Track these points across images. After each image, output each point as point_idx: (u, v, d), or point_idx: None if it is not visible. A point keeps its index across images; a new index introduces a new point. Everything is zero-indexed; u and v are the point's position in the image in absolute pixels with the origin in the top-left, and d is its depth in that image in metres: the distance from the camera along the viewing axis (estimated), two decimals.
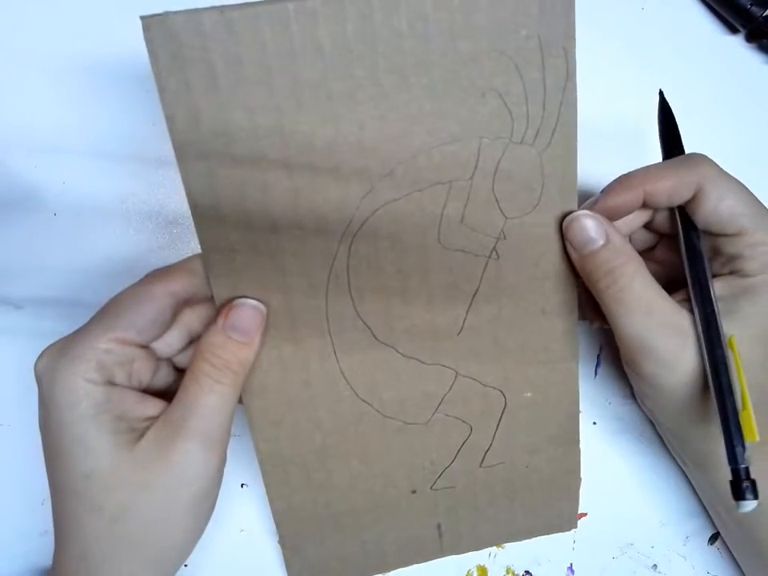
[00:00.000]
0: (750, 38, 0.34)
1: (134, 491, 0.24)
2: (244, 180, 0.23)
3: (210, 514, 0.26)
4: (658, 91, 0.29)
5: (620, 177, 0.27)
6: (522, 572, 0.33)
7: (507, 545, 0.33)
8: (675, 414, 0.28)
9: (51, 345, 0.24)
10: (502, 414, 0.29)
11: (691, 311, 0.26)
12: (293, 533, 0.30)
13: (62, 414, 0.23)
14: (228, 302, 0.25)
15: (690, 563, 0.33)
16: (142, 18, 0.21)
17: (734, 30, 0.34)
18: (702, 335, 0.25)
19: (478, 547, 0.32)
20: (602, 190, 0.27)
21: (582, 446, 0.31)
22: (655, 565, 0.34)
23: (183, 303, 0.25)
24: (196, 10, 0.21)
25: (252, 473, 0.31)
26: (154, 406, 0.25)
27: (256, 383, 0.26)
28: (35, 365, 0.24)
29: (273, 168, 0.23)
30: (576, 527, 0.33)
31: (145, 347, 0.25)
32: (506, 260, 0.26)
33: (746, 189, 0.27)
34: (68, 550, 0.24)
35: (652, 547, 0.34)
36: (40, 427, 0.24)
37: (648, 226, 0.29)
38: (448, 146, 0.24)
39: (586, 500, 0.33)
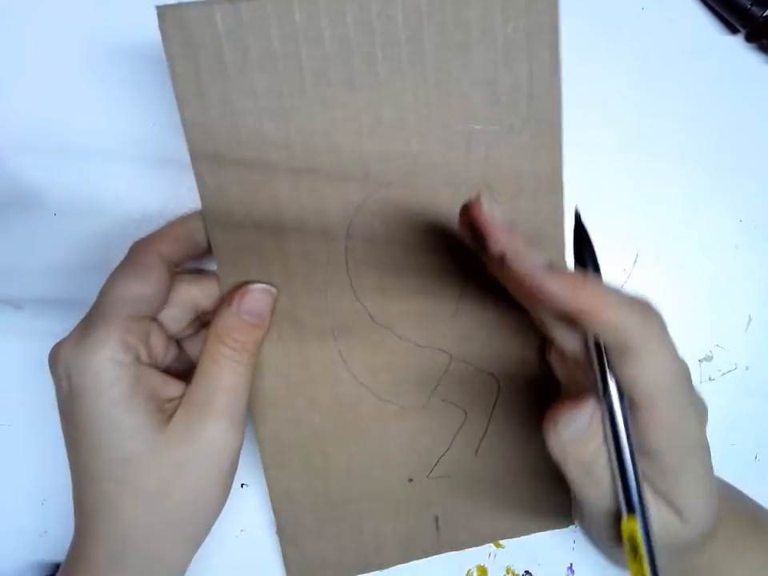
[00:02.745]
0: (749, 38, 0.34)
1: (170, 472, 0.24)
2: (249, 166, 0.25)
3: (230, 488, 0.27)
4: (574, 211, 0.24)
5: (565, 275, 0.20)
6: (522, 572, 0.33)
7: (507, 545, 0.33)
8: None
9: (64, 339, 0.24)
10: (496, 399, 0.29)
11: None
12: (291, 522, 0.30)
13: (95, 401, 0.23)
14: (240, 286, 0.26)
15: None
16: (157, 7, 0.22)
17: (734, 30, 0.34)
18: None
19: (475, 543, 0.32)
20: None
21: None
22: None
23: (173, 267, 0.26)
24: (209, 1, 0.23)
25: (252, 473, 0.31)
26: (175, 386, 0.26)
27: (256, 364, 0.27)
28: (53, 360, 0.24)
29: (274, 150, 0.25)
30: (574, 523, 0.32)
31: (155, 320, 0.26)
32: None
33: (677, 356, 0.22)
34: (102, 537, 0.25)
35: None
36: (65, 420, 0.25)
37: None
38: (440, 131, 0.25)
39: None
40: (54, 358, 0.24)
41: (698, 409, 0.23)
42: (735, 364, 0.34)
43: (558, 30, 0.25)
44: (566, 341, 0.23)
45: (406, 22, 0.24)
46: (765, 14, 0.32)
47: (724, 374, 0.34)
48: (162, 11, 0.23)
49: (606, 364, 0.22)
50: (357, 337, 0.28)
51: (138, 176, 0.31)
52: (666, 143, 0.34)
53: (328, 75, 0.24)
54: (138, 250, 0.25)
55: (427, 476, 0.30)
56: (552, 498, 0.31)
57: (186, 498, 0.25)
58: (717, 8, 0.34)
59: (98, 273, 0.31)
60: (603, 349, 0.22)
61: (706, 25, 0.35)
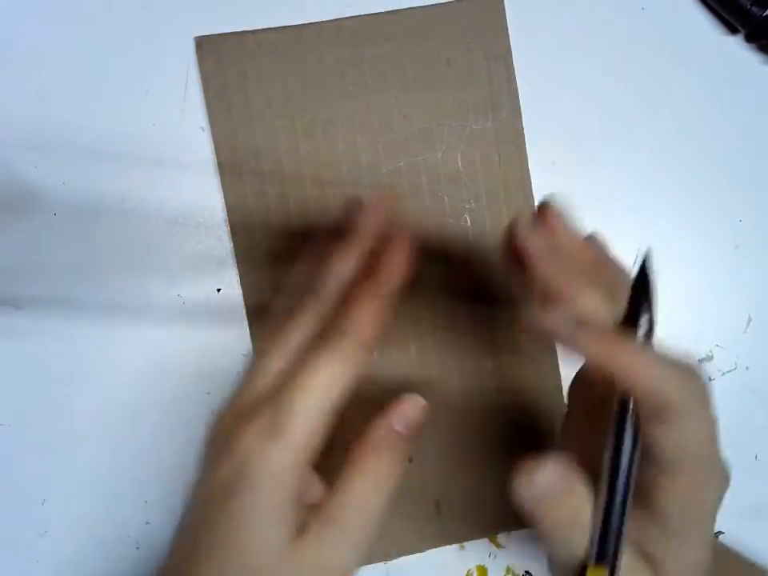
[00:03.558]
0: (749, 38, 0.34)
1: None
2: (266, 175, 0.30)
3: None
4: (644, 256, 0.22)
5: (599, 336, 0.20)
6: (522, 572, 0.33)
7: (507, 545, 0.33)
8: None
9: (253, 419, 0.22)
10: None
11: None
12: None
13: (259, 499, 0.21)
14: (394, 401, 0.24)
15: None
16: (196, 37, 0.30)
17: (733, 30, 0.34)
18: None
19: (476, 535, 0.32)
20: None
21: None
22: None
23: None
24: (240, 33, 0.30)
25: None
26: (317, 489, 0.23)
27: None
28: (231, 439, 0.22)
29: (287, 161, 0.31)
30: None
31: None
32: (475, 225, 0.32)
33: (714, 425, 0.20)
34: None
35: None
36: (211, 503, 0.22)
37: None
38: (421, 128, 0.32)
39: None
40: (235, 439, 0.22)
41: (720, 477, 0.21)
42: (735, 364, 0.34)
43: (509, 47, 0.32)
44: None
45: (388, 44, 0.31)
46: (765, 14, 0.32)
47: (724, 373, 0.34)
48: (199, 40, 0.30)
49: (627, 419, 0.20)
50: None
51: (139, 176, 0.31)
52: (665, 143, 0.34)
53: (326, 86, 0.31)
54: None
55: (426, 455, 0.31)
56: None
57: None
58: (717, 8, 0.34)
59: (98, 273, 0.31)
60: (630, 405, 0.20)
61: (706, 25, 0.35)
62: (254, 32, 0.31)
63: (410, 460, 0.31)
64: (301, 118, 0.31)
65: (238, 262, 0.30)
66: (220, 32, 0.31)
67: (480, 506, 0.32)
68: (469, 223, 0.32)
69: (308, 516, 0.22)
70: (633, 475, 0.21)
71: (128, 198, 0.32)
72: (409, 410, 0.24)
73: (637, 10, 0.34)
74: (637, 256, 0.22)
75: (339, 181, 0.30)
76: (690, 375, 0.19)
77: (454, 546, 0.33)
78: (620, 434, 0.20)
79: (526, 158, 0.32)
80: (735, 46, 0.34)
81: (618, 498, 0.21)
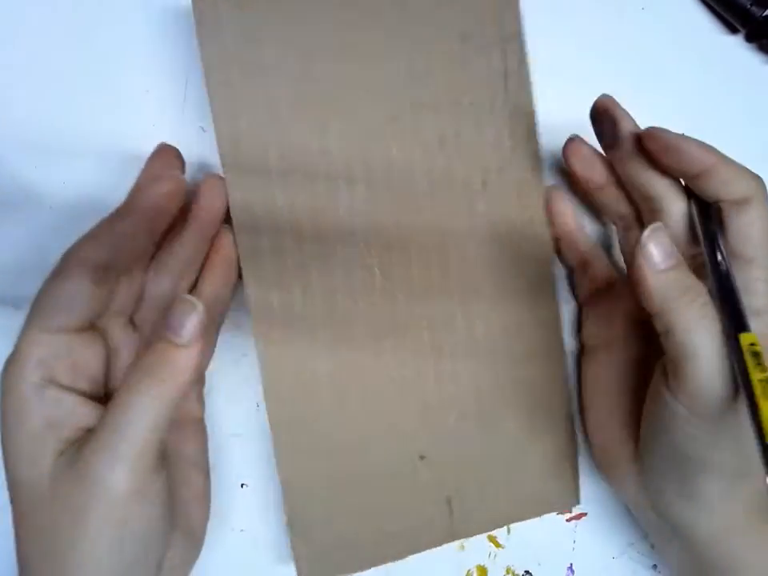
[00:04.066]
0: (749, 38, 0.34)
1: (52, 508, 0.22)
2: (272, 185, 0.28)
3: (184, 544, 0.26)
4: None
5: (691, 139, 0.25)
6: (522, 572, 0.33)
7: (507, 545, 0.33)
8: (719, 482, 0.25)
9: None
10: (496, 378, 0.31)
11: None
12: (300, 507, 0.29)
13: (10, 421, 0.22)
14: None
15: None
16: None
17: (734, 29, 0.34)
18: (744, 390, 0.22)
19: (487, 528, 0.32)
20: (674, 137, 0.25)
21: (580, 442, 0.31)
22: (655, 565, 0.34)
23: (107, 268, 0.24)
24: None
25: (252, 473, 0.31)
26: (91, 413, 0.23)
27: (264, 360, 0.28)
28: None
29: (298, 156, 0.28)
30: (579, 503, 0.33)
31: (82, 332, 0.23)
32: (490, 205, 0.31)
33: None
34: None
35: (652, 547, 0.34)
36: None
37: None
38: (434, 110, 0.30)
39: (586, 500, 0.33)
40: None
41: None
42: None
43: (522, 31, 0.30)
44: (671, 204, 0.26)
45: (399, 24, 0.29)
46: (765, 14, 0.32)
47: None
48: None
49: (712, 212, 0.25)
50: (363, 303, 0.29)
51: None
52: None
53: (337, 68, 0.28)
54: (61, 259, 0.23)
55: (438, 451, 0.31)
56: (558, 478, 0.32)
57: (70, 540, 0.22)
58: (717, 8, 0.34)
59: None
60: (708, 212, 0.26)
61: (706, 25, 0.35)
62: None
63: (422, 457, 0.30)
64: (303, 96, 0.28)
65: (243, 273, 0.28)
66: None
67: (490, 499, 0.31)
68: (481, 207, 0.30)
69: (81, 439, 0.22)
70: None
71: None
72: (179, 317, 0.22)
73: (637, 9, 0.34)
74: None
75: (349, 173, 0.29)
76: (754, 175, 0.25)
77: (454, 546, 0.33)
78: (707, 227, 0.25)
79: (538, 152, 0.31)
80: (735, 46, 0.34)
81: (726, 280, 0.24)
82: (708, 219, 0.26)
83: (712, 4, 0.34)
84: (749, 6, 0.32)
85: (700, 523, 0.26)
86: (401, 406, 0.30)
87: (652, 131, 0.25)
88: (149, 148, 0.28)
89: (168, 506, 0.24)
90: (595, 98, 0.27)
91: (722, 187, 0.25)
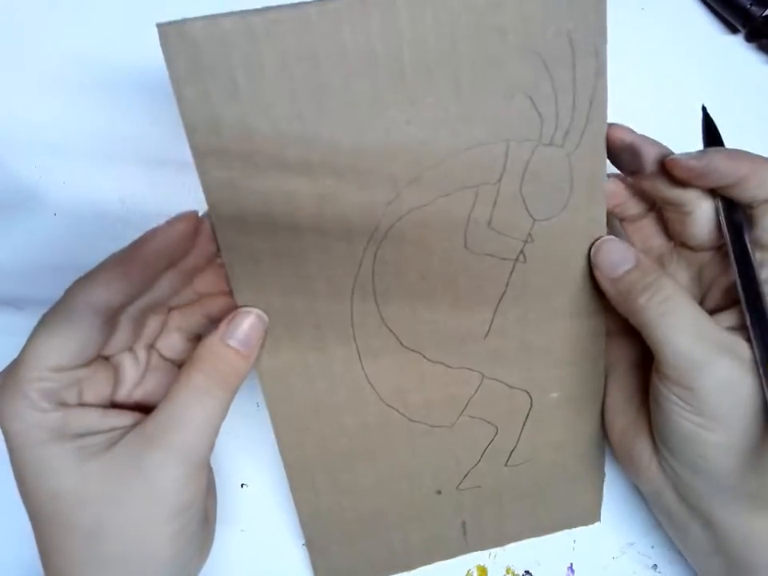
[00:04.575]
0: (749, 38, 0.34)
1: (106, 505, 0.22)
2: (267, 188, 0.23)
3: (205, 533, 0.26)
4: (702, 108, 0.28)
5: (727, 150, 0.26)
6: (522, 572, 0.33)
7: (507, 545, 0.33)
8: (723, 451, 0.25)
9: None
10: (528, 414, 0.29)
11: (745, 339, 0.24)
12: (319, 536, 0.30)
13: (19, 443, 0.22)
14: (231, 311, 0.24)
15: (690, 564, 0.33)
16: (158, 25, 0.20)
17: (734, 29, 0.34)
18: (761, 363, 0.23)
19: (501, 543, 0.32)
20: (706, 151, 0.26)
21: None
22: (655, 565, 0.34)
23: (117, 310, 0.23)
24: (215, 16, 0.20)
25: (252, 473, 0.31)
26: (121, 418, 0.24)
27: (281, 390, 0.26)
28: None
29: (297, 176, 0.23)
30: (599, 520, 0.33)
31: (88, 365, 0.24)
32: (533, 263, 0.26)
33: None
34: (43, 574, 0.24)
35: (652, 547, 0.34)
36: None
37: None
38: (475, 149, 0.24)
39: None
40: None
41: None
42: None
43: (605, 31, 0.24)
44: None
45: (437, 31, 0.22)
46: (765, 14, 0.32)
47: None
48: (164, 30, 0.20)
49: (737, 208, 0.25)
50: (385, 361, 0.27)
51: (138, 176, 0.31)
52: (664, 143, 0.33)
53: (353, 92, 0.22)
54: (72, 292, 0.23)
55: (456, 487, 0.30)
56: (579, 498, 0.32)
57: (127, 535, 0.23)
58: (717, 8, 0.34)
59: None
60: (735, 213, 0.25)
61: (706, 25, 0.35)
62: (242, 15, 0.21)
63: (439, 492, 0.30)
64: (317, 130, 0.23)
65: (229, 275, 0.24)
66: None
67: (505, 521, 0.31)
68: (525, 261, 0.26)
69: (121, 435, 0.23)
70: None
71: (128, 198, 0.32)
72: (243, 326, 0.24)
73: (637, 9, 0.34)
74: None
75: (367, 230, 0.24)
76: None
77: None
78: (732, 221, 0.25)
79: (603, 180, 0.25)
80: (735, 46, 0.34)
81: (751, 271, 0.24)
82: (733, 213, 0.25)
83: (712, 4, 0.34)
84: (749, 6, 0.32)
85: (718, 500, 0.26)
86: (420, 450, 0.29)
87: (676, 160, 0.24)
88: (149, 147, 0.28)
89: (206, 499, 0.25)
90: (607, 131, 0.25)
91: (757, 192, 0.25)
